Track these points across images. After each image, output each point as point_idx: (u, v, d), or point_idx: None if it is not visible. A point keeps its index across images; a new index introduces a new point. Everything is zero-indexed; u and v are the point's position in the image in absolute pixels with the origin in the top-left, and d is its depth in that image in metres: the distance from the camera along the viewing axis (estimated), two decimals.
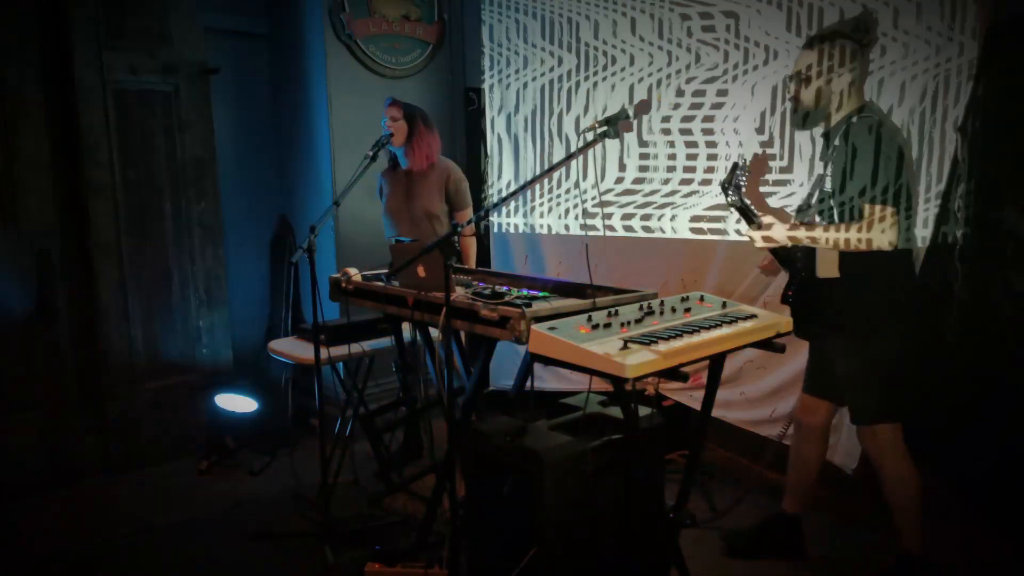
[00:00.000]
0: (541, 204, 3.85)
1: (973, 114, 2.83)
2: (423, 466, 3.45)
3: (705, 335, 2.02)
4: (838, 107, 2.50)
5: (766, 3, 3.18)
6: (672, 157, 3.49)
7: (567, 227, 3.79)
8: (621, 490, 2.15)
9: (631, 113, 2.23)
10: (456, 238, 2.28)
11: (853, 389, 2.49)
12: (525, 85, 3.83)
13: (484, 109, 4.00)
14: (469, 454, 2.22)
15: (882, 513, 2.79)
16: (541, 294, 2.61)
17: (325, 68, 3.94)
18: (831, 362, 2.54)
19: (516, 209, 3.92)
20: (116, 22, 3.52)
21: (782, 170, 3.22)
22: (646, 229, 3.57)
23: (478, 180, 4.05)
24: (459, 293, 2.55)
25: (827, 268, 2.46)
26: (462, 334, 3.07)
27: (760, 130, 3.25)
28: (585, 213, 3.71)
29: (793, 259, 2.55)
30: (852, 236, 2.34)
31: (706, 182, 3.41)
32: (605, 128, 2.22)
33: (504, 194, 3.90)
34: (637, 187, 3.58)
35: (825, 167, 2.52)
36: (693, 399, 3.39)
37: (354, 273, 2.95)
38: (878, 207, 2.31)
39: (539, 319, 2.11)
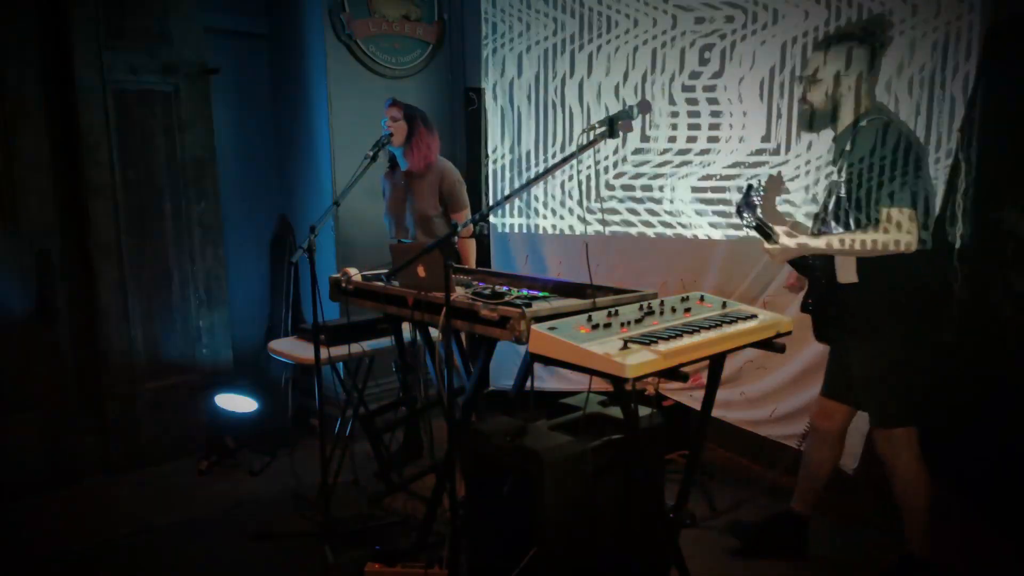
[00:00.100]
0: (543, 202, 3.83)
1: (973, 114, 2.83)
2: (423, 466, 3.45)
3: (705, 335, 2.02)
4: (848, 110, 2.47)
5: None
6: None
7: (571, 227, 3.78)
8: (621, 490, 2.15)
9: (632, 113, 2.22)
10: (454, 239, 2.28)
11: (871, 392, 2.48)
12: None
13: (484, 110, 3.95)
14: (469, 454, 2.22)
15: (882, 513, 2.80)
16: (541, 294, 2.61)
17: (325, 68, 3.94)
18: (850, 366, 2.53)
19: (518, 210, 3.91)
20: (116, 22, 3.52)
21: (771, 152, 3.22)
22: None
23: (478, 181, 4.05)
24: (459, 293, 2.55)
25: (846, 273, 2.45)
26: (462, 334, 3.07)
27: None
28: (586, 208, 3.70)
29: (813, 268, 2.54)
30: (872, 240, 2.31)
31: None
32: (605, 128, 2.21)
33: (499, 198, 3.88)
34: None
35: (838, 172, 2.49)
36: (693, 399, 3.39)
37: (354, 273, 2.95)
38: (895, 209, 2.28)
39: (539, 319, 2.11)
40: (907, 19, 2.83)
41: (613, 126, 2.19)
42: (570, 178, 3.75)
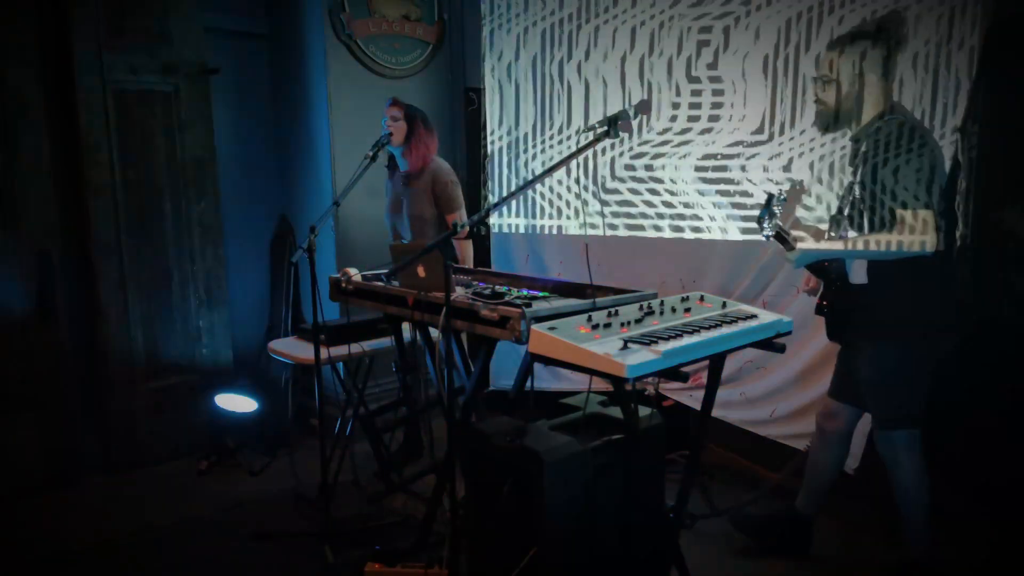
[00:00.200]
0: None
1: (973, 114, 2.83)
2: (423, 466, 3.45)
3: (705, 335, 2.02)
4: (865, 110, 2.45)
5: None
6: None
7: (570, 226, 3.78)
8: (621, 490, 2.15)
9: (632, 113, 2.22)
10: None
11: (874, 393, 2.48)
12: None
13: (484, 118, 3.93)
14: (469, 454, 2.22)
15: (883, 514, 2.79)
16: (541, 294, 2.61)
17: (325, 68, 3.94)
18: (858, 367, 2.52)
19: (518, 211, 3.90)
20: (116, 22, 3.52)
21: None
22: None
23: (478, 181, 4.05)
24: (459, 293, 2.55)
25: (857, 274, 2.45)
26: (462, 334, 3.06)
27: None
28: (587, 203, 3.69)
29: (828, 270, 2.53)
30: (888, 242, 2.30)
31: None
32: (605, 128, 2.21)
33: (494, 201, 3.86)
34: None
35: (854, 172, 2.47)
36: (693, 399, 3.39)
37: (354, 273, 2.94)
38: (912, 211, 2.26)
39: (539, 319, 2.11)
40: (908, 11, 2.82)
41: (613, 126, 2.19)
42: (576, 180, 3.74)
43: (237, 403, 3.77)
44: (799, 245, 2.45)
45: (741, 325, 2.14)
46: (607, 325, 2.04)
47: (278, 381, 4.07)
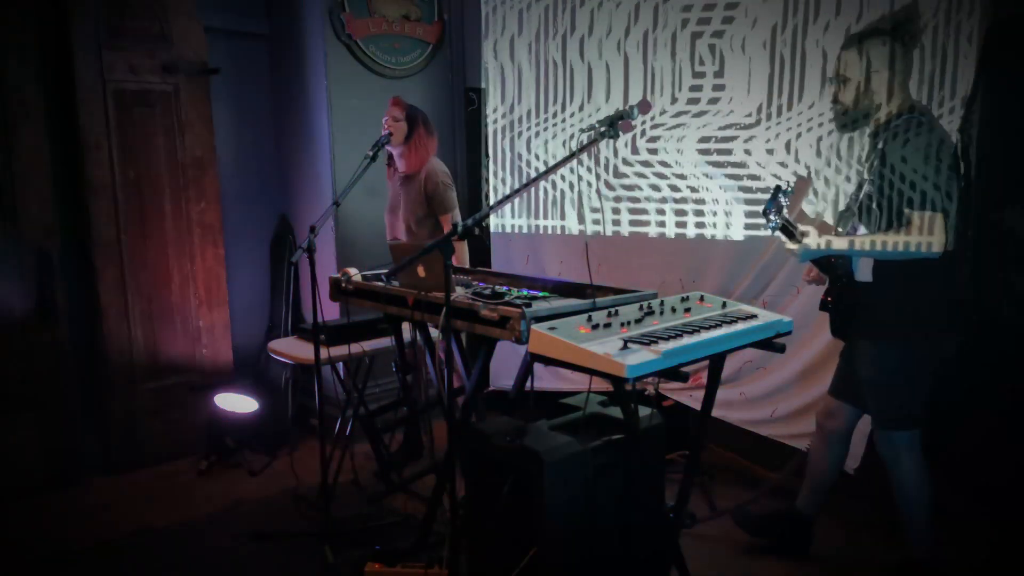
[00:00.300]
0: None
1: (973, 114, 2.83)
2: (423, 466, 3.45)
3: (705, 335, 2.02)
4: (882, 108, 2.43)
5: None
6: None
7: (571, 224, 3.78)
8: (621, 490, 2.15)
9: (632, 113, 2.22)
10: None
11: (875, 393, 2.47)
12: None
13: (484, 113, 3.94)
14: (469, 454, 2.22)
15: (883, 514, 2.79)
16: (541, 294, 2.61)
17: (325, 68, 3.94)
18: (859, 366, 2.52)
19: (519, 212, 3.90)
20: (116, 22, 3.52)
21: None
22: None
23: (478, 182, 4.05)
24: (459, 293, 2.55)
25: (863, 272, 2.45)
26: (462, 334, 3.06)
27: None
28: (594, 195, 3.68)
29: (835, 267, 2.52)
30: (896, 242, 2.29)
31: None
32: (605, 128, 2.21)
33: (494, 200, 3.87)
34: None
35: (868, 169, 2.46)
36: (693, 399, 3.39)
37: (354, 273, 2.94)
38: (924, 213, 2.25)
39: (539, 319, 2.11)
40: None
41: (613, 126, 2.19)
42: (577, 180, 3.74)
43: (237, 403, 3.77)
44: (805, 240, 2.44)
45: (741, 325, 2.14)
46: (607, 325, 2.04)
47: (278, 381, 4.07)
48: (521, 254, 3.91)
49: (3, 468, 3.38)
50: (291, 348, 3.29)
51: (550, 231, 3.83)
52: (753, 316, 2.23)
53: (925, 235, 2.25)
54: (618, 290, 2.47)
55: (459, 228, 2.36)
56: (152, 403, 3.75)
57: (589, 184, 3.67)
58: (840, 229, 2.61)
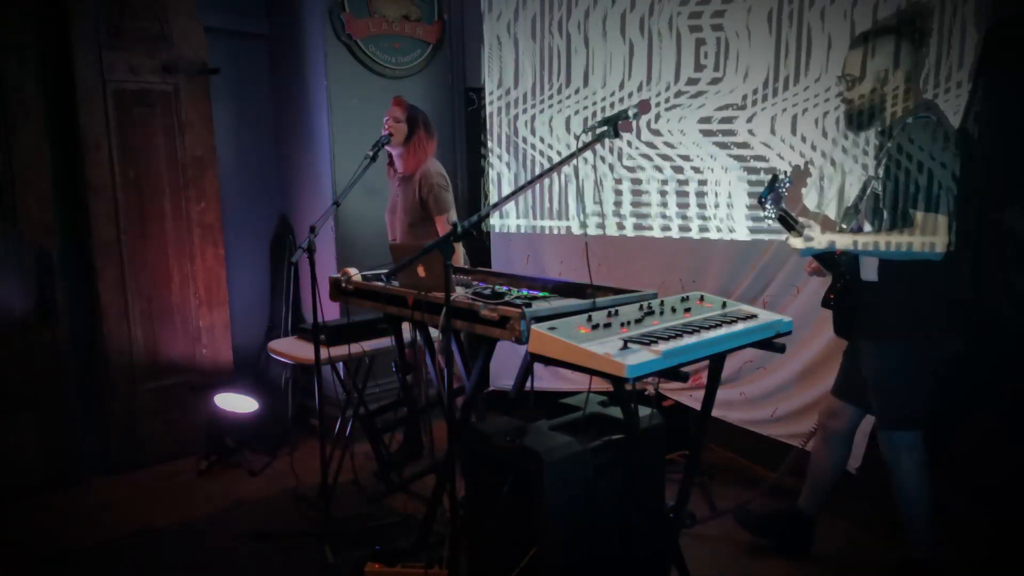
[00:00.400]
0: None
1: (973, 114, 2.83)
2: (423, 466, 3.45)
3: (705, 335, 2.02)
4: (892, 107, 2.41)
5: None
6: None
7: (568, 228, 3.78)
8: (621, 490, 2.15)
9: (631, 114, 2.22)
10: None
11: (878, 393, 2.46)
12: None
13: (485, 118, 3.94)
14: (469, 454, 2.22)
15: (884, 513, 2.79)
16: (541, 294, 2.61)
17: (325, 68, 3.94)
18: (862, 365, 2.51)
19: (518, 212, 3.90)
20: (116, 22, 3.52)
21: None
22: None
23: (478, 182, 4.05)
24: (459, 293, 2.55)
25: (868, 271, 2.44)
26: (462, 334, 3.06)
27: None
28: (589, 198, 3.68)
29: (838, 264, 2.52)
30: (900, 242, 2.28)
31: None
32: (604, 128, 2.21)
33: (490, 204, 3.86)
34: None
35: (877, 167, 2.45)
36: (693, 399, 3.39)
37: (354, 273, 2.94)
38: (929, 214, 2.24)
39: (539, 319, 2.11)
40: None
41: (613, 126, 2.19)
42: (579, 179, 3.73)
43: (237, 403, 3.77)
44: (806, 232, 2.43)
45: (741, 325, 2.14)
46: (607, 325, 2.04)
47: (278, 381, 4.07)
48: (521, 254, 3.91)
49: (3, 468, 3.38)
50: (291, 348, 3.29)
51: (550, 231, 3.83)
52: (753, 316, 2.23)
53: (929, 235, 2.25)
54: (618, 290, 2.47)
55: (459, 229, 2.36)
56: (152, 403, 3.75)
57: (594, 166, 3.64)
58: (844, 226, 2.61)
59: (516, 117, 3.83)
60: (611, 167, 3.62)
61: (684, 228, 3.51)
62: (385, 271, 2.85)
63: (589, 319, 2.06)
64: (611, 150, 3.61)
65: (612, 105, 3.59)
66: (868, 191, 2.49)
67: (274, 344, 3.40)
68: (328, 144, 4.00)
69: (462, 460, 2.32)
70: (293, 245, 4.36)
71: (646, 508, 2.24)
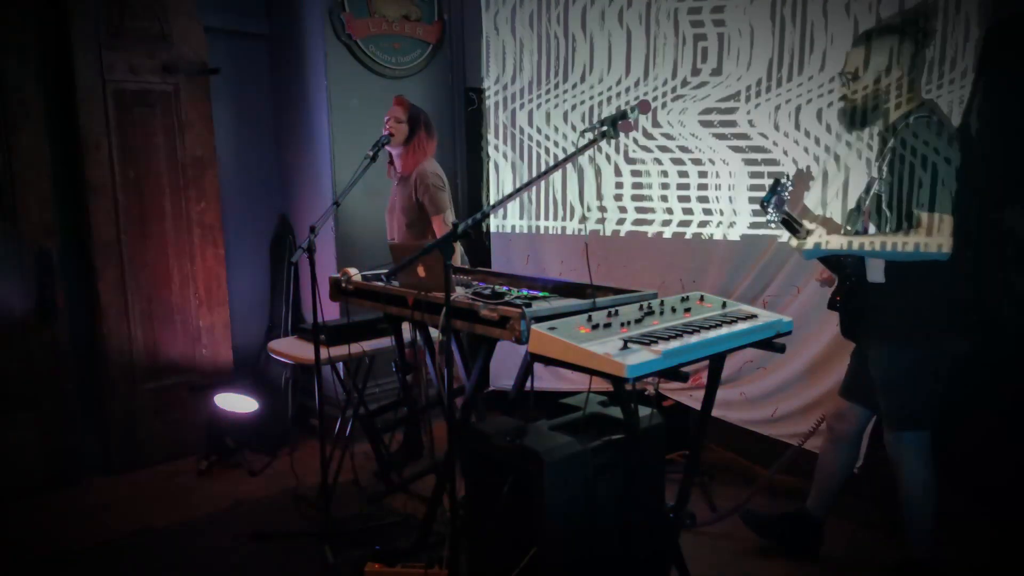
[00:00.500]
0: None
1: (973, 114, 2.83)
2: (423, 466, 3.45)
3: (705, 335, 2.01)
4: (894, 107, 2.40)
5: None
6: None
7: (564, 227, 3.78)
8: (621, 490, 2.15)
9: (632, 114, 2.22)
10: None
11: (884, 393, 2.46)
12: None
13: (485, 111, 3.94)
14: (469, 454, 2.22)
15: (885, 513, 2.79)
16: (541, 294, 2.61)
17: (325, 68, 3.94)
18: (869, 367, 2.50)
19: (518, 212, 3.89)
20: (116, 22, 3.52)
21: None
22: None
23: (478, 182, 4.04)
24: (459, 293, 2.55)
25: (875, 272, 2.43)
26: (462, 334, 3.06)
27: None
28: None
29: (844, 266, 2.51)
30: (904, 243, 2.27)
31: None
32: (605, 128, 2.21)
33: (486, 209, 3.87)
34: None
35: (880, 166, 2.44)
36: (693, 399, 3.39)
37: (354, 273, 2.94)
38: (933, 214, 2.23)
39: (539, 319, 2.11)
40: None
41: (614, 127, 2.19)
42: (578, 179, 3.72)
43: (237, 403, 3.77)
44: (810, 235, 2.43)
45: (741, 325, 2.14)
46: (607, 325, 2.04)
47: (278, 381, 4.07)
48: (521, 254, 3.91)
49: (3, 468, 3.38)
50: (291, 348, 3.29)
51: (550, 231, 3.83)
52: (753, 316, 2.23)
53: (932, 236, 2.24)
54: (618, 290, 2.47)
55: (458, 229, 2.36)
56: (152, 403, 3.75)
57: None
58: (848, 228, 2.60)
59: (514, 112, 3.82)
60: (608, 158, 3.61)
61: (684, 224, 3.51)
62: (385, 271, 2.85)
63: (589, 319, 2.06)
64: (614, 147, 3.61)
65: (609, 100, 3.58)
66: (872, 191, 2.48)
67: (274, 344, 3.40)
68: (328, 144, 4.00)
69: (462, 460, 2.32)
70: (293, 245, 4.36)
71: (646, 508, 2.24)
